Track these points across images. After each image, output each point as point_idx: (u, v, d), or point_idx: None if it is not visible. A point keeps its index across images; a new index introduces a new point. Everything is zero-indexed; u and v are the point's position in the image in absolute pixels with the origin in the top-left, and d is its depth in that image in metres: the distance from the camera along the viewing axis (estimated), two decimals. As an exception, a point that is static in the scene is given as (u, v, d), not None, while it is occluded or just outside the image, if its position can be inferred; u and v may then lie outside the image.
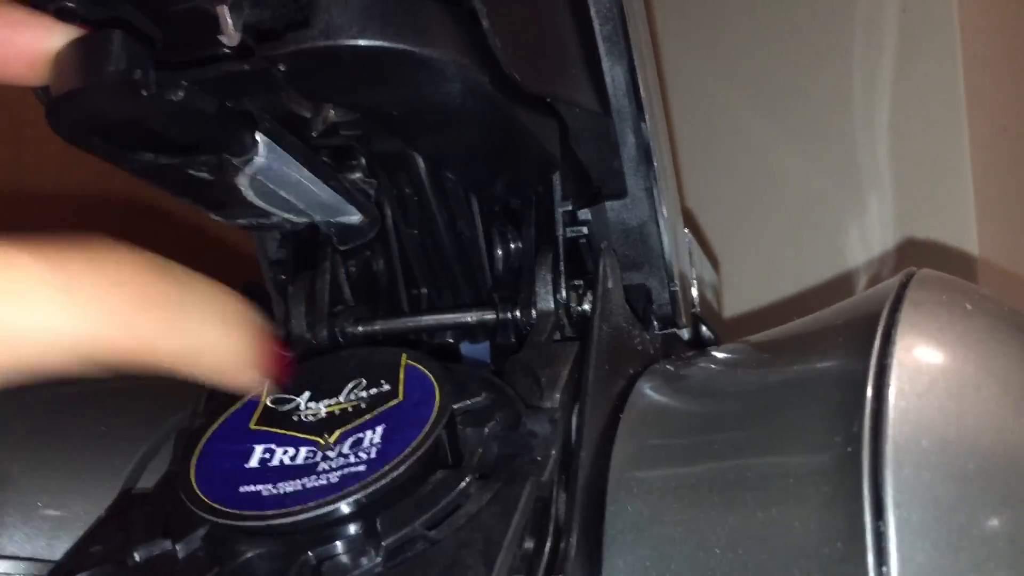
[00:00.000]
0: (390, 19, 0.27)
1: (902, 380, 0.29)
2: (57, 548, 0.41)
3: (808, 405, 0.31)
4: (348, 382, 0.37)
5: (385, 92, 0.30)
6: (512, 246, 0.44)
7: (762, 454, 0.32)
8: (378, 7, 0.27)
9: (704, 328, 0.52)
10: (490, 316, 0.42)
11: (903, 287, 0.33)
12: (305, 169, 0.36)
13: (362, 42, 0.27)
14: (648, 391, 0.39)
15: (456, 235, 0.44)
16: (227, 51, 0.30)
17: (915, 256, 0.69)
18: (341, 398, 0.37)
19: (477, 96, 0.30)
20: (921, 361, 0.30)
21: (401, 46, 0.27)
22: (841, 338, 0.33)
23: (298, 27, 0.27)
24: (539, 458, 0.34)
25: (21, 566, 0.42)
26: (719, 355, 0.40)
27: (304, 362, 0.39)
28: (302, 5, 0.32)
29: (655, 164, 0.42)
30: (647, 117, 0.41)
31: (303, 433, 0.35)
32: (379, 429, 0.35)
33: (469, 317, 0.43)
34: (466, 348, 0.48)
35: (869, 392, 0.29)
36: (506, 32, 0.29)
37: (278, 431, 0.35)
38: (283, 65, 0.28)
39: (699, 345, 0.54)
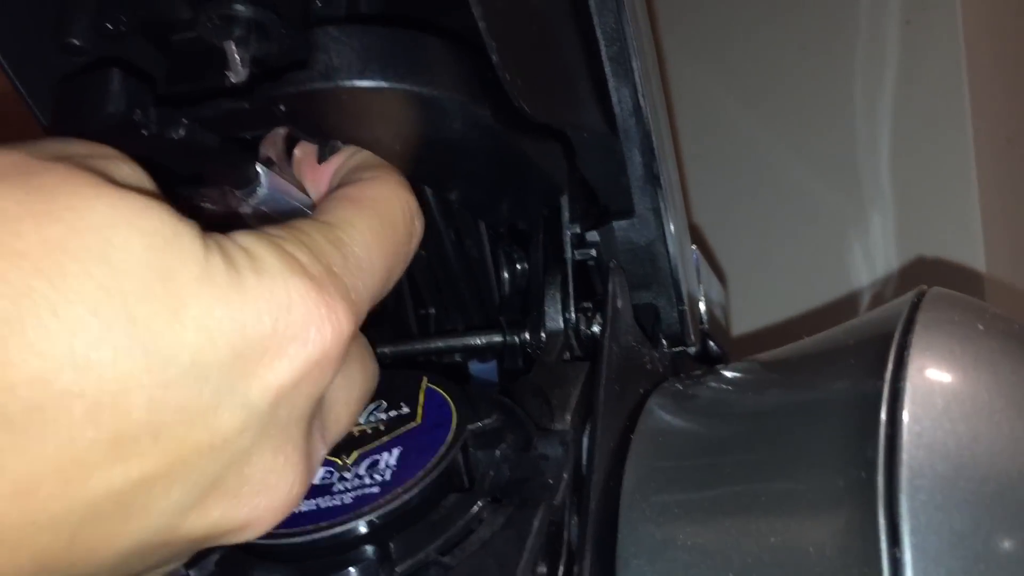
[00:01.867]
0: (391, 59, 0.27)
1: (916, 404, 0.29)
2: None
3: (822, 428, 0.31)
4: (370, 404, 0.37)
5: (387, 129, 0.30)
6: (519, 267, 0.44)
7: (776, 478, 0.32)
8: (379, 46, 0.27)
9: (712, 344, 0.52)
10: (498, 339, 0.42)
11: (914, 308, 0.33)
12: (304, 196, 0.36)
13: (362, 83, 0.26)
14: (659, 411, 0.39)
15: (464, 255, 0.44)
16: (230, 84, 0.30)
17: (922, 272, 0.69)
18: (362, 419, 0.37)
19: (479, 130, 0.30)
20: (934, 384, 0.30)
21: (402, 86, 0.27)
22: (853, 360, 0.33)
23: (299, 67, 0.27)
24: (551, 481, 0.34)
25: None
26: (729, 374, 0.40)
27: None
28: (307, 38, 0.32)
29: (662, 183, 0.42)
30: (654, 137, 0.41)
31: None
32: (395, 451, 0.35)
33: (478, 340, 0.43)
34: (475, 367, 0.48)
35: (883, 416, 0.29)
36: (515, 64, 0.29)
37: None
38: (283, 105, 0.28)
39: (707, 360, 0.54)
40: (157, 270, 0.22)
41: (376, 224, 0.28)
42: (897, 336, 0.31)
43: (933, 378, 0.30)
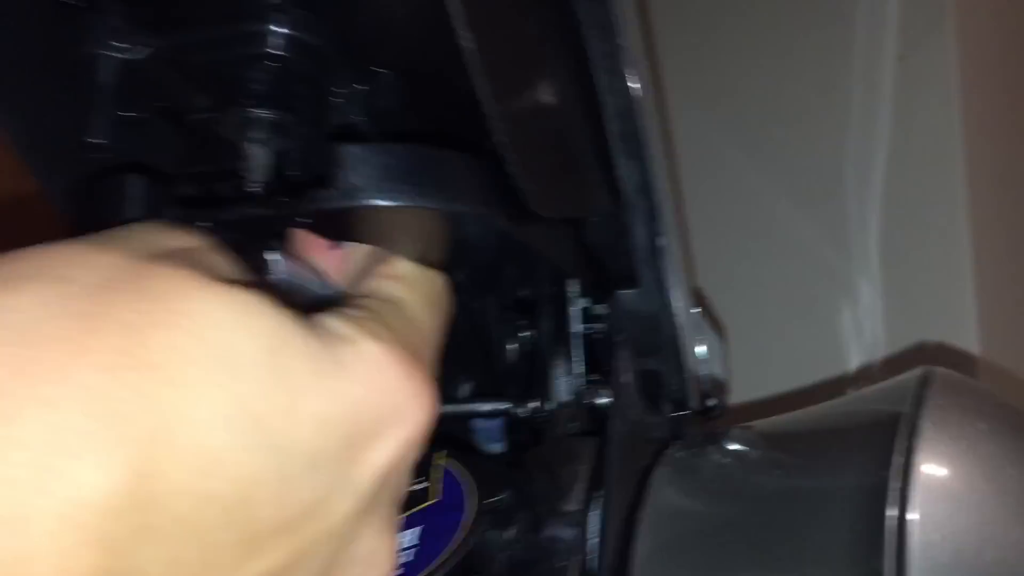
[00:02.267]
0: (412, 177, 0.27)
1: (922, 511, 0.29)
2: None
3: (827, 523, 0.32)
4: None
5: (404, 237, 0.30)
6: (522, 335, 0.45)
7: (782, 571, 0.32)
8: (399, 165, 0.27)
9: (711, 401, 0.53)
10: (504, 406, 0.43)
11: (918, 400, 0.34)
12: (317, 280, 0.36)
13: (384, 203, 0.27)
14: (665, 486, 0.40)
15: (470, 316, 0.45)
16: (249, 184, 0.30)
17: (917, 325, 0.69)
18: None
19: (493, 233, 0.31)
20: (940, 489, 0.30)
21: (423, 204, 0.27)
22: (859, 455, 0.33)
23: (320, 183, 0.27)
24: (562, 565, 0.35)
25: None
26: (733, 447, 0.41)
27: None
28: (326, 133, 0.32)
29: (667, 255, 0.42)
30: (660, 212, 0.41)
31: None
32: (409, 534, 0.35)
33: (485, 407, 0.43)
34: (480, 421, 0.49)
35: (888, 517, 0.30)
36: (532, 169, 0.29)
37: None
38: (304, 219, 0.29)
39: (705, 413, 0.54)
40: (272, 368, 0.22)
41: (423, 297, 0.30)
42: (904, 433, 0.32)
43: (939, 481, 0.30)
